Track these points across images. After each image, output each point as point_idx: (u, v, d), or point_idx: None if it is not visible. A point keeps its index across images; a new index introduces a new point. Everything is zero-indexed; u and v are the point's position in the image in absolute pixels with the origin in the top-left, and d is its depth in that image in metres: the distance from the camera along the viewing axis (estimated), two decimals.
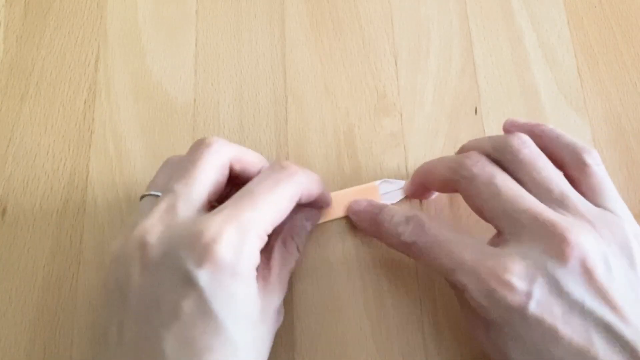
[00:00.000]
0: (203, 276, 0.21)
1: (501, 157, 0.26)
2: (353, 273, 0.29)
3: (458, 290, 0.24)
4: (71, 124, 0.32)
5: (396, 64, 0.34)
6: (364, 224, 0.29)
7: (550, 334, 0.21)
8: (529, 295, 0.22)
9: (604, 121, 0.33)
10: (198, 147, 0.25)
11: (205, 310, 0.21)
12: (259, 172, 0.27)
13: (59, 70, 0.34)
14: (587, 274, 0.22)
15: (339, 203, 0.30)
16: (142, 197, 0.26)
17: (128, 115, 0.33)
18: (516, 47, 0.34)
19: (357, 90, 0.33)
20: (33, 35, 0.34)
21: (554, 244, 0.22)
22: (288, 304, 0.29)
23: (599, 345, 0.21)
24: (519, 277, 0.22)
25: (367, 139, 0.32)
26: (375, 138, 0.32)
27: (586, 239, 0.22)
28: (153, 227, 0.23)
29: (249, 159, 0.26)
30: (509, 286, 0.22)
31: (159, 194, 0.25)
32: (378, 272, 0.29)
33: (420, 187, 0.30)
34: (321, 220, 0.30)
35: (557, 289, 0.22)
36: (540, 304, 0.22)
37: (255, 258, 0.23)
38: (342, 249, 0.30)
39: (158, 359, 0.21)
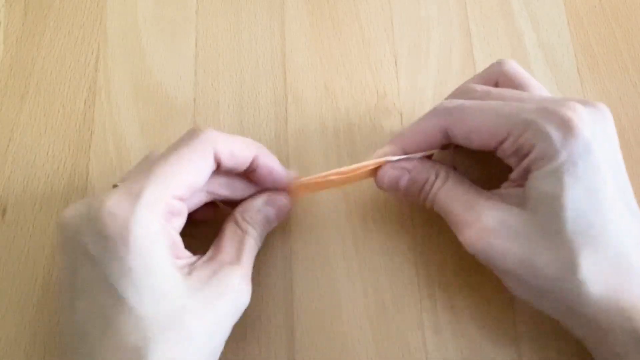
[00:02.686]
0: (99, 251, 0.22)
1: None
2: (353, 273, 0.29)
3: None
4: (71, 124, 0.32)
5: (396, 64, 0.34)
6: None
7: (603, 173, 0.23)
8: (594, 132, 0.23)
9: None
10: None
11: (105, 282, 0.21)
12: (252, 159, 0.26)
13: (59, 70, 0.34)
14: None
15: (346, 176, 0.28)
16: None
17: (128, 115, 0.33)
18: (516, 47, 0.34)
19: (357, 90, 0.33)
20: (33, 35, 0.34)
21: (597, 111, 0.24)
22: (288, 304, 0.29)
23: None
24: (586, 115, 0.23)
25: (367, 139, 0.32)
26: (375, 138, 0.32)
27: None
28: (69, 209, 0.23)
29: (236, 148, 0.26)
30: (582, 119, 0.23)
31: None
32: (378, 272, 0.29)
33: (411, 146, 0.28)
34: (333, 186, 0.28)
35: (608, 141, 0.24)
36: (600, 144, 0.23)
37: (154, 224, 0.22)
38: (342, 249, 0.30)
39: (72, 330, 0.22)
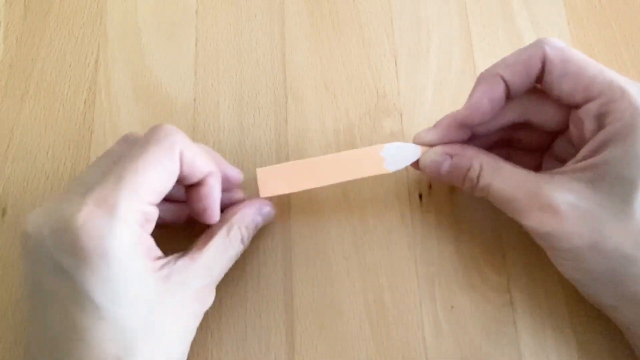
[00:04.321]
0: (71, 263, 0.21)
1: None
2: (353, 272, 0.29)
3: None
4: (71, 124, 0.32)
5: (396, 64, 0.34)
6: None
7: None
8: None
9: None
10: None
11: (79, 294, 0.21)
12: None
13: (59, 70, 0.34)
14: None
15: (339, 166, 0.28)
16: None
17: (128, 115, 0.33)
18: (516, 47, 0.34)
19: (357, 90, 0.33)
20: (33, 35, 0.34)
21: None
22: (288, 303, 0.29)
23: None
24: None
25: (367, 139, 0.32)
26: (375, 138, 0.32)
27: None
28: (34, 218, 0.22)
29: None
30: None
31: None
32: (378, 272, 0.29)
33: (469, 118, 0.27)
34: (321, 184, 0.28)
35: None
36: None
37: (132, 235, 0.22)
38: (342, 248, 0.30)
39: (41, 343, 0.22)
